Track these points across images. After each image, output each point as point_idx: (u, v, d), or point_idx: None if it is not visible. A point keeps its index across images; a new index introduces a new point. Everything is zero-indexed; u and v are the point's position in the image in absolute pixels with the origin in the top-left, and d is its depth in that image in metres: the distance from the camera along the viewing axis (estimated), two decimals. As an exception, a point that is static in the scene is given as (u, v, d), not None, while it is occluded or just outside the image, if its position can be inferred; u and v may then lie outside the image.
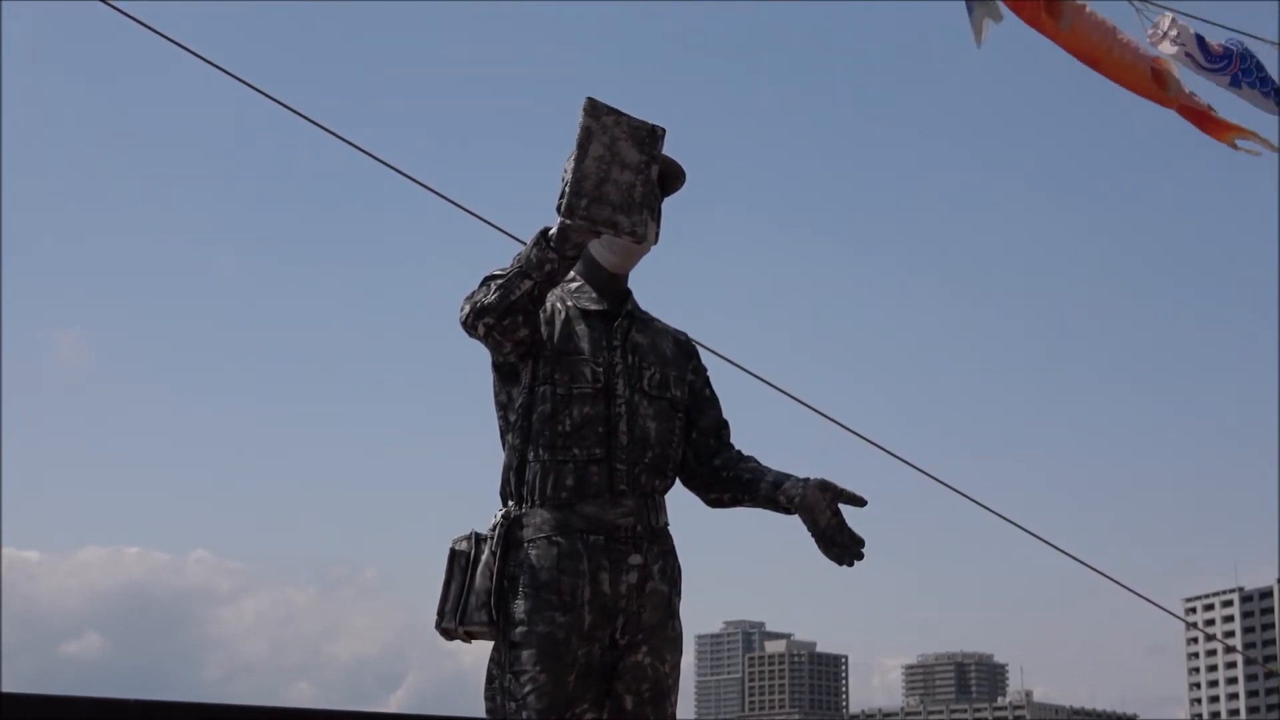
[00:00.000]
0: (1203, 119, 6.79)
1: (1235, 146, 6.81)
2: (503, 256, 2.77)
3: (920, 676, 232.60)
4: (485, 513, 2.87)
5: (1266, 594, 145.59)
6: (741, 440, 3.11)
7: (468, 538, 2.84)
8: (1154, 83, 6.51)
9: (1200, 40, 6.67)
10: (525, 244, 2.72)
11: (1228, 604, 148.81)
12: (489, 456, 2.94)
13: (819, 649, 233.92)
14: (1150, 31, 6.65)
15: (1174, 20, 6.66)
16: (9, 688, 4.40)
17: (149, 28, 4.36)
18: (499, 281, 2.73)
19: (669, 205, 3.00)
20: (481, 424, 2.97)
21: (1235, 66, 6.73)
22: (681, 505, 3.05)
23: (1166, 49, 6.62)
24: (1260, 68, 6.80)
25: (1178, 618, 6.62)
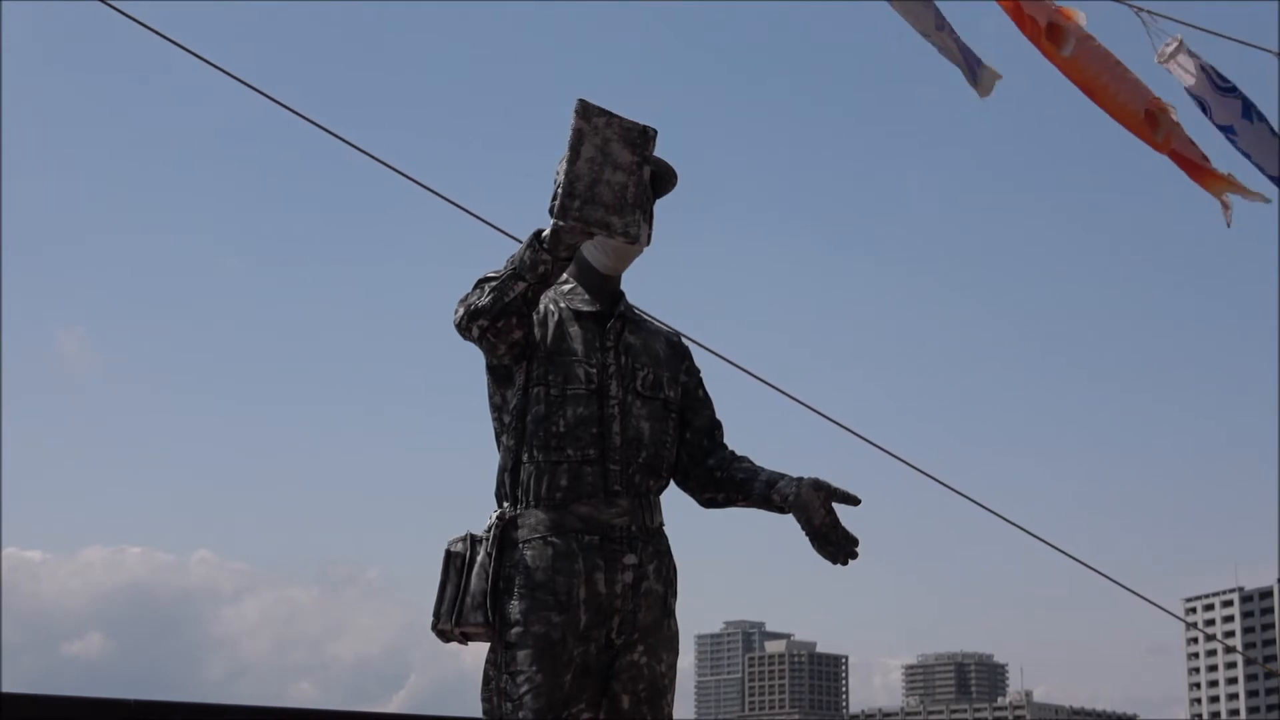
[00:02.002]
0: (1193, 168, 6.64)
1: (1224, 204, 6.63)
2: (502, 256, 2.77)
3: (920, 676, 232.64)
4: (488, 513, 2.88)
5: (1266, 594, 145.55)
6: (740, 440, 3.11)
7: (463, 539, 2.85)
8: (1145, 125, 6.42)
9: (1209, 68, 6.59)
10: (521, 244, 2.73)
11: (1228, 604, 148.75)
12: (493, 456, 2.95)
13: (819, 649, 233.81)
14: (1159, 51, 6.58)
15: (1182, 44, 6.59)
16: (10, 688, 4.39)
17: (149, 28, 4.36)
18: (493, 284, 2.73)
19: (662, 206, 3.01)
20: (485, 424, 2.97)
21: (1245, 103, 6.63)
22: (681, 506, 3.06)
23: (1174, 70, 6.55)
24: (1264, 118, 6.68)
25: (1177, 618, 6.61)
